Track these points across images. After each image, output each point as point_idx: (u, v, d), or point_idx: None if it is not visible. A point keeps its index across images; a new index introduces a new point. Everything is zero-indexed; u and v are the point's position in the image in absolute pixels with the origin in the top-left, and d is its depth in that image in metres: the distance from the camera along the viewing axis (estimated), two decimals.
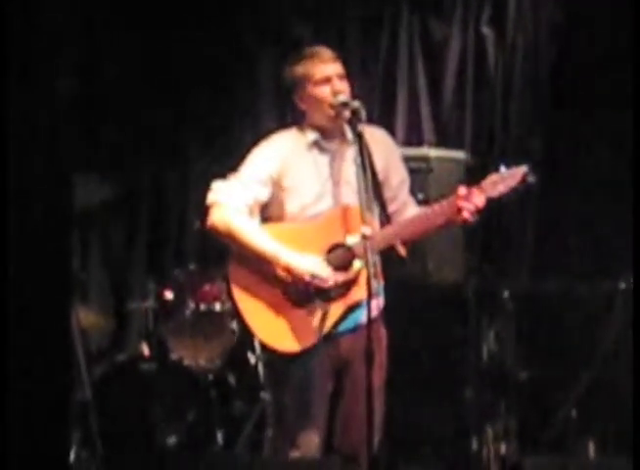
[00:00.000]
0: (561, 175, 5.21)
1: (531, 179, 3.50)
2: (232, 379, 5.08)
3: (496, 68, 5.48)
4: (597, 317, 4.86)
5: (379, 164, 3.62)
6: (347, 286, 3.53)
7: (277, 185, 3.65)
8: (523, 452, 4.81)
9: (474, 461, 4.89)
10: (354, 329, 3.56)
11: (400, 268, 3.81)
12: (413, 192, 3.85)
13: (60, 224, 3.05)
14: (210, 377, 4.95)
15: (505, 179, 3.51)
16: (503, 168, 3.53)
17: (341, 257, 3.56)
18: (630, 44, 4.46)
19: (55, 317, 3.02)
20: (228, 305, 4.79)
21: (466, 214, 3.51)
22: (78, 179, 4.10)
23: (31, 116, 2.95)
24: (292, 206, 3.65)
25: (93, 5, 4.82)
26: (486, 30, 5.49)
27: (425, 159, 4.96)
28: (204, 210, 3.67)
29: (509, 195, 3.52)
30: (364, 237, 3.35)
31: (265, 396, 4.83)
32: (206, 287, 5.01)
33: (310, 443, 3.57)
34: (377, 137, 3.72)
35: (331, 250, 3.58)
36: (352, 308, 3.55)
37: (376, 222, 3.61)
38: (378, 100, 5.57)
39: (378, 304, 3.62)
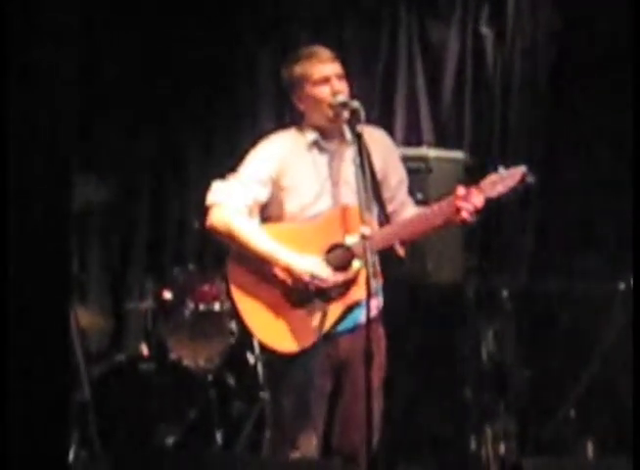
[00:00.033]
0: (560, 175, 5.21)
1: (530, 179, 3.50)
2: (231, 379, 5.08)
3: (495, 68, 5.48)
4: (597, 317, 4.86)
5: (377, 164, 3.62)
6: (347, 286, 3.53)
7: (276, 185, 3.64)
8: (522, 452, 4.81)
9: (473, 461, 4.89)
10: (353, 329, 3.56)
11: (399, 268, 3.81)
12: (412, 192, 3.84)
13: (59, 224, 3.05)
14: (210, 377, 4.95)
15: (504, 179, 3.51)
16: (502, 169, 3.53)
17: (340, 257, 3.56)
18: (630, 44, 4.45)
19: (54, 317, 3.01)
20: (227, 305, 4.79)
21: (465, 215, 3.51)
22: (78, 179, 4.11)
23: (31, 116, 2.94)
24: (291, 206, 3.65)
25: (93, 5, 4.82)
26: (485, 31, 5.49)
27: (424, 159, 4.96)
28: (203, 210, 3.67)
29: (508, 195, 3.53)
30: (363, 237, 3.34)
31: (264, 396, 4.82)
32: (206, 287, 5.01)
33: (309, 443, 3.57)
34: (376, 137, 3.72)
35: (330, 250, 3.58)
36: (351, 308, 3.55)
37: (375, 222, 3.61)
38: (377, 100, 5.56)
39: (377, 303, 3.63)
